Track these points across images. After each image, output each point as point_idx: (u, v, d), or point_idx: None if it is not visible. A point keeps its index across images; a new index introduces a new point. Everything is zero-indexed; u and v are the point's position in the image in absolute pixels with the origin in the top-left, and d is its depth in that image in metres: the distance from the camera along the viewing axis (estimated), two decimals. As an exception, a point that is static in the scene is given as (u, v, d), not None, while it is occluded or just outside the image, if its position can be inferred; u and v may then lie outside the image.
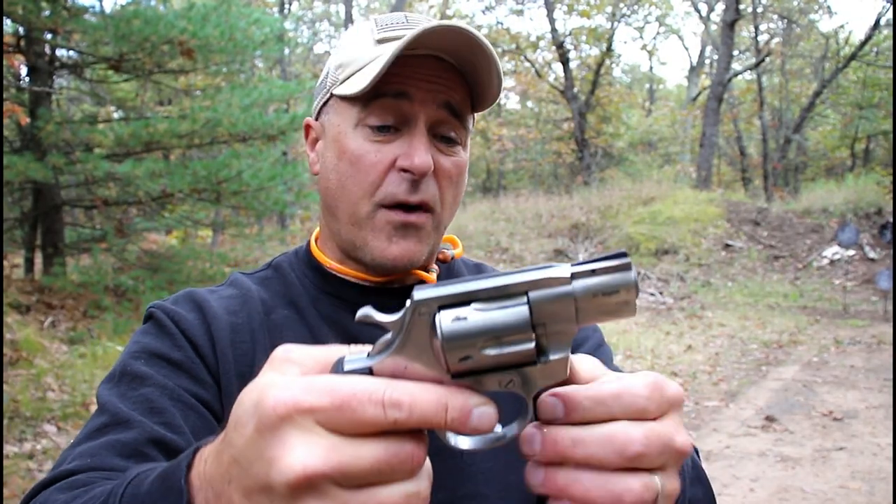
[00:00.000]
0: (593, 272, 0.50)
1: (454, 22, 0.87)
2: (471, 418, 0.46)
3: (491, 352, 0.48)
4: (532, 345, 0.49)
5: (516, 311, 0.48)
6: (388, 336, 0.50)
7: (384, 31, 0.93)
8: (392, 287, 0.98)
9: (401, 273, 0.96)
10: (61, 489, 0.71)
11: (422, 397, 0.45)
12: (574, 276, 0.49)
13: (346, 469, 0.43)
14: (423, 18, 0.96)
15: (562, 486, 0.50)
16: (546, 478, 0.50)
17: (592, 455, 0.49)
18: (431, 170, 0.89)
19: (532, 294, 0.49)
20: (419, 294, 0.49)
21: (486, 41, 0.87)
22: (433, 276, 1.00)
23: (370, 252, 0.92)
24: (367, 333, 0.92)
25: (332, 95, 0.96)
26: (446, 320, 0.48)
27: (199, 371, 0.86)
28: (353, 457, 0.44)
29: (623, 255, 0.50)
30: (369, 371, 0.49)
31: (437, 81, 0.90)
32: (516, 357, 0.49)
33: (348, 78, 0.93)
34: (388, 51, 0.86)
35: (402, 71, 0.88)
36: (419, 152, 0.88)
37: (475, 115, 1.00)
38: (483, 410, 0.47)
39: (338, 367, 0.49)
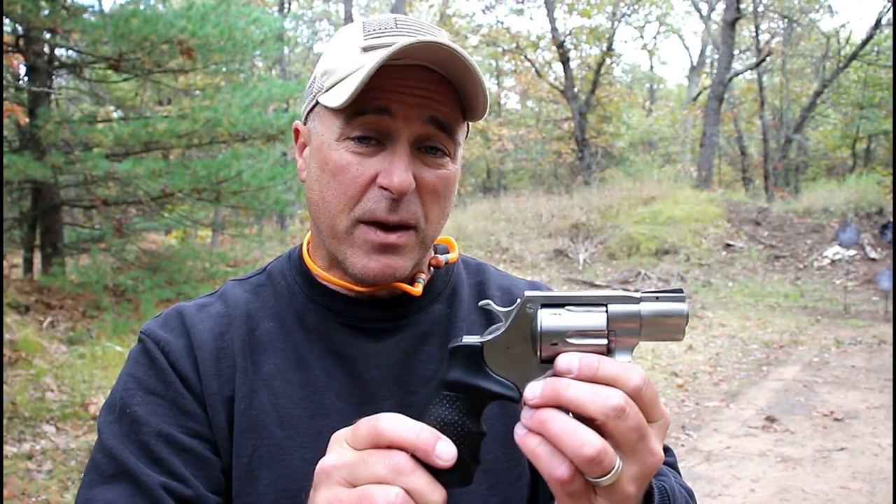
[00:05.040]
0: (657, 298, 0.66)
1: (439, 38, 0.84)
2: (435, 447, 0.63)
3: (574, 341, 0.65)
4: (605, 341, 0.65)
5: (597, 316, 0.66)
6: (498, 325, 0.68)
7: (370, 38, 0.89)
8: (380, 297, 0.97)
9: (384, 285, 0.95)
10: None
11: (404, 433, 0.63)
12: (642, 299, 0.66)
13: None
14: (413, 22, 0.92)
15: (543, 420, 0.62)
16: (534, 415, 0.63)
17: (579, 397, 0.61)
18: (412, 188, 0.87)
19: (610, 306, 0.66)
20: (529, 293, 0.67)
21: (470, 58, 0.83)
22: (419, 286, 0.97)
23: (351, 266, 0.91)
24: (349, 346, 0.95)
25: (317, 102, 0.93)
26: (546, 314, 0.66)
27: (190, 405, 0.89)
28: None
29: (680, 291, 0.67)
30: (480, 347, 0.67)
31: (423, 95, 0.86)
32: (591, 349, 0.65)
33: (332, 87, 0.89)
34: (371, 61, 0.82)
35: (386, 84, 0.84)
36: (399, 171, 0.85)
37: (469, 123, 0.96)
38: (443, 444, 0.63)
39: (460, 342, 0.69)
